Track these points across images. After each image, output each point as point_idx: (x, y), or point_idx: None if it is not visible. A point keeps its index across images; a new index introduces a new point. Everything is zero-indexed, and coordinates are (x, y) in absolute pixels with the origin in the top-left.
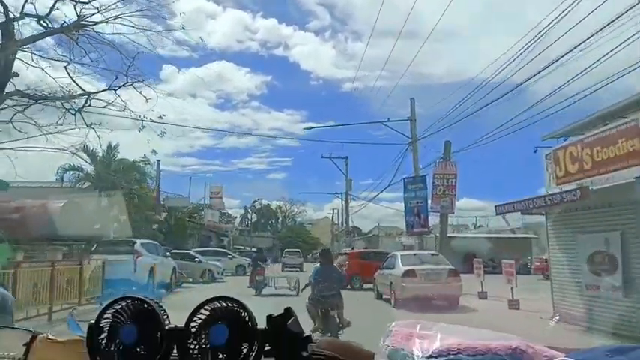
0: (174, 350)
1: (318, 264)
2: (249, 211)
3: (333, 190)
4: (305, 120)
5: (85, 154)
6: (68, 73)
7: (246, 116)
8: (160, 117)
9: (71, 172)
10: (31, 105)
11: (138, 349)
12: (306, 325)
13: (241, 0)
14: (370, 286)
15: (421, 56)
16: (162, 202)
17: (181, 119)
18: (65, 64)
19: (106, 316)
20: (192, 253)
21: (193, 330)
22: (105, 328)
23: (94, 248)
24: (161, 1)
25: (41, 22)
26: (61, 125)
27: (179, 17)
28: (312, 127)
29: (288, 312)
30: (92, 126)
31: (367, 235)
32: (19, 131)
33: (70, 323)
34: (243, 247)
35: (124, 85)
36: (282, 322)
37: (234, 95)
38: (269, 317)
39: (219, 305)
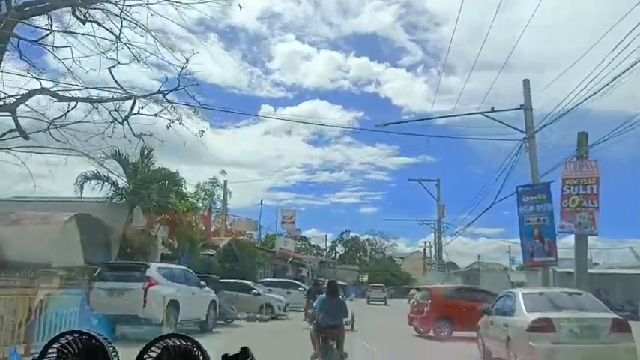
0: None
1: (324, 295)
2: (336, 242)
3: (424, 226)
4: (397, 154)
5: (115, 160)
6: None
7: (339, 151)
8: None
9: (94, 182)
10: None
11: None
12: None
13: (335, 41)
14: (464, 334)
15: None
16: (228, 226)
17: (277, 156)
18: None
19: (50, 351)
20: (248, 283)
21: None
22: None
23: (96, 274)
24: (260, 46)
25: None
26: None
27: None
28: (388, 124)
29: (245, 352)
30: (141, 135)
31: (464, 269)
32: (58, 141)
33: (11, 357)
34: (324, 280)
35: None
36: None
37: (327, 131)
38: (224, 357)
39: (172, 343)
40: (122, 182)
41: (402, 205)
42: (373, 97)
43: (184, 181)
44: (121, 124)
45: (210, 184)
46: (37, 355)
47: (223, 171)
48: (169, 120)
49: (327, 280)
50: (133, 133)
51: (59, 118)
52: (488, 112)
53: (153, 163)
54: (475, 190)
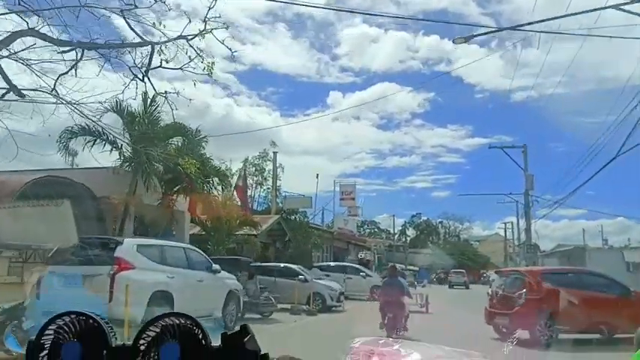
0: None
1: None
2: (407, 226)
3: (502, 206)
4: (471, 135)
5: (115, 113)
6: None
7: (409, 135)
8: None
9: (85, 140)
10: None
11: None
12: None
13: (403, 21)
14: (578, 338)
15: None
16: (279, 203)
17: (346, 142)
18: None
19: (47, 332)
20: (293, 267)
21: (142, 348)
22: (46, 346)
23: (51, 254)
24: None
25: None
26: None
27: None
28: (470, 36)
29: (245, 329)
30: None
31: (564, 249)
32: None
33: (7, 339)
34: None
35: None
36: (238, 340)
37: (396, 115)
38: (224, 335)
39: (171, 322)
40: (123, 141)
41: (478, 186)
42: (444, 77)
43: (206, 141)
44: (142, 80)
45: (259, 158)
46: (33, 338)
47: (273, 142)
48: (202, 71)
49: (390, 265)
50: (155, 90)
51: (65, 73)
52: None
53: (159, 114)
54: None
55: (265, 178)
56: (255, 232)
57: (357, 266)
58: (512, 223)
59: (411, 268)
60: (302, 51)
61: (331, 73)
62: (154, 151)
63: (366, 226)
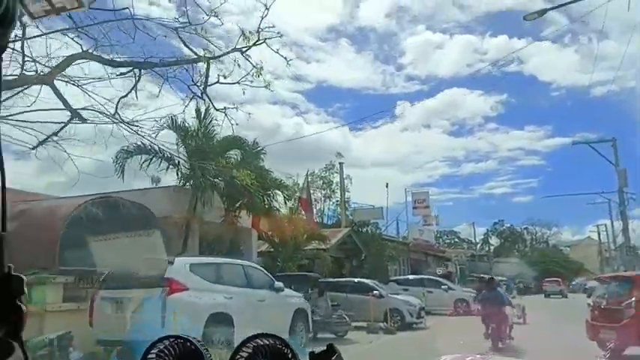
0: None
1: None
2: (489, 234)
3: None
4: (550, 135)
5: (171, 130)
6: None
7: (483, 139)
8: None
9: (141, 159)
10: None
11: None
12: None
13: (468, 24)
14: None
15: None
16: (349, 216)
17: (417, 151)
18: None
19: (149, 356)
20: (367, 282)
21: None
22: None
23: (103, 278)
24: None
25: None
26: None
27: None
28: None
29: (332, 348)
30: (225, 109)
31: None
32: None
33: None
34: (476, 276)
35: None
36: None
37: (468, 120)
38: (312, 354)
39: (262, 343)
40: (179, 157)
41: (563, 188)
42: (516, 77)
43: (264, 152)
44: (201, 97)
45: (325, 170)
46: None
47: (339, 153)
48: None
49: (488, 277)
50: (214, 106)
51: (125, 95)
52: None
53: (214, 128)
54: None
55: (333, 191)
56: (324, 247)
57: (438, 279)
58: (605, 225)
59: (500, 278)
60: (366, 64)
61: (397, 83)
62: (209, 165)
63: (445, 237)
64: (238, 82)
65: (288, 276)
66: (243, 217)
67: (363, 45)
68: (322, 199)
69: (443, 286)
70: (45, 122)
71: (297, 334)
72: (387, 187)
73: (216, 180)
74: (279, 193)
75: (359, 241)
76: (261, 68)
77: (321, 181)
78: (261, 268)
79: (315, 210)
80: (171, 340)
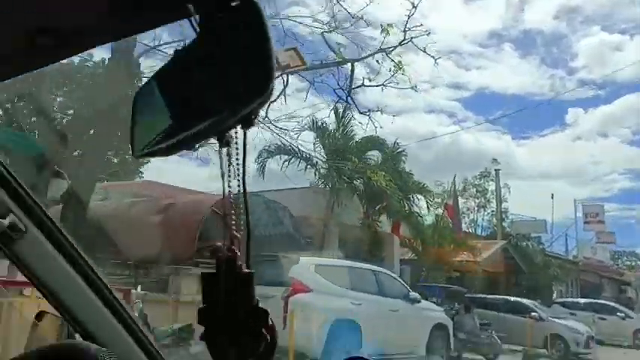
0: None
1: None
2: None
3: None
4: None
5: (311, 131)
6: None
7: None
8: None
9: (281, 159)
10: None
11: None
12: None
13: None
14: None
15: None
16: (505, 228)
17: (592, 162)
18: None
19: None
20: (524, 302)
21: None
22: None
23: None
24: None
25: None
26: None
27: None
28: None
29: None
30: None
31: None
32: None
33: None
34: None
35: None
36: None
37: None
38: None
39: None
40: (317, 158)
41: None
42: None
43: (405, 154)
44: (346, 100)
45: (480, 177)
46: None
47: (495, 159)
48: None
49: None
50: (358, 109)
51: (274, 100)
52: None
53: (352, 128)
54: None
55: (489, 200)
56: (476, 259)
57: (614, 305)
58: None
59: None
60: (532, 68)
61: (568, 88)
62: (345, 165)
63: (624, 258)
64: (384, 85)
65: (428, 287)
66: (385, 222)
67: (528, 49)
68: (476, 208)
69: (619, 314)
70: None
71: (435, 352)
72: (552, 197)
73: (354, 182)
74: (421, 197)
75: (517, 256)
76: (400, 62)
77: (475, 189)
78: (396, 276)
79: (467, 219)
80: None
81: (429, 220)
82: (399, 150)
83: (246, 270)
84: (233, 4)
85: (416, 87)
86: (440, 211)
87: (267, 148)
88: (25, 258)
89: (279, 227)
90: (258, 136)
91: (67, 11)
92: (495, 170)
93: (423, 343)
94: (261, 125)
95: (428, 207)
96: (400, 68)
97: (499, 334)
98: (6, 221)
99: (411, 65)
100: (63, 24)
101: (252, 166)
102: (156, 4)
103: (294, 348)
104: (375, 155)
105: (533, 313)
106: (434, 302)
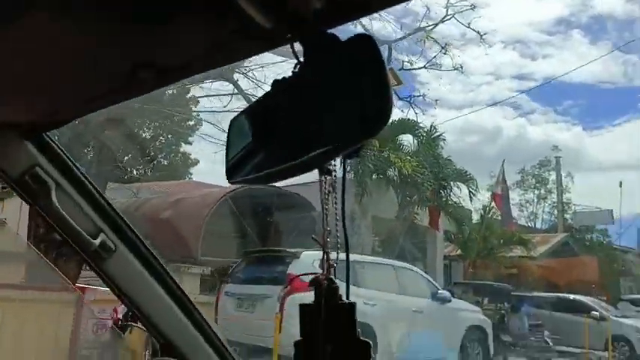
0: None
1: None
2: None
3: None
4: None
5: None
6: None
7: None
8: None
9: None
10: None
11: None
12: None
13: None
14: None
15: None
16: (568, 220)
17: None
18: None
19: None
20: (582, 300)
21: None
22: None
23: (231, 270)
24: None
25: None
26: None
27: None
28: None
29: None
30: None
31: None
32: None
33: None
34: None
35: None
36: None
37: None
38: None
39: None
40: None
41: None
42: None
43: (443, 139)
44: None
45: (539, 166)
46: None
47: (555, 146)
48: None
49: None
50: (398, 96)
51: None
52: None
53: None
54: None
55: (550, 191)
56: (531, 254)
57: None
58: None
59: None
60: (603, 55)
61: None
62: (369, 151)
63: None
64: (424, 67)
65: (472, 285)
66: (424, 215)
67: (598, 35)
68: (535, 200)
69: None
70: None
71: (469, 358)
72: (620, 186)
73: (388, 170)
74: (463, 186)
75: (579, 250)
76: (447, 45)
77: (534, 180)
78: (422, 272)
79: (526, 212)
80: None
81: (474, 211)
82: (436, 134)
83: (348, 300)
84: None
85: (461, 67)
86: (488, 201)
87: None
88: (114, 275)
89: (304, 224)
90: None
91: (171, 48)
92: (556, 158)
93: (454, 348)
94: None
95: (470, 197)
96: (443, 48)
97: (554, 336)
98: (97, 241)
99: (477, 59)
100: (165, 59)
101: None
102: (259, 35)
103: (278, 352)
104: (407, 141)
105: (593, 312)
106: (477, 302)
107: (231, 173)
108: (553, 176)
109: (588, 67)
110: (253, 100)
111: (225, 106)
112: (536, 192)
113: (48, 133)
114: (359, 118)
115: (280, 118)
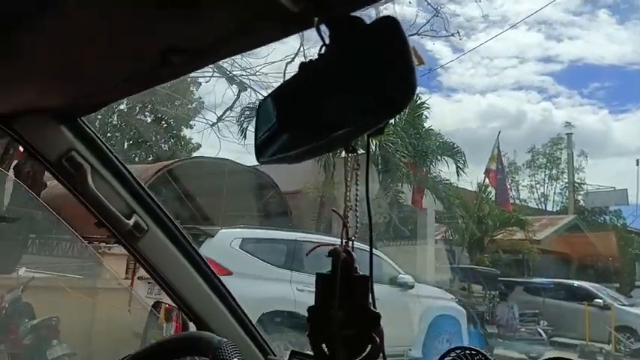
0: None
1: None
2: None
3: None
4: None
5: None
6: None
7: None
8: None
9: None
10: None
11: None
12: None
13: None
14: None
15: None
16: (580, 201)
17: None
18: None
19: None
20: (588, 287)
21: None
22: None
23: None
24: None
25: None
26: None
27: None
28: None
29: None
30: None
31: None
32: None
33: None
34: None
35: None
36: None
37: None
38: None
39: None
40: None
41: None
42: None
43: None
44: None
45: (550, 145)
46: None
47: (568, 123)
48: None
49: None
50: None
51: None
52: None
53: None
54: None
55: (562, 172)
56: (531, 237)
57: None
58: None
59: None
60: (632, 35)
61: None
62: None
63: None
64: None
65: (452, 270)
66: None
67: (627, 14)
68: (546, 181)
69: None
70: None
71: (434, 351)
72: (637, 164)
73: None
74: (450, 161)
75: (590, 233)
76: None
77: (545, 159)
78: (380, 254)
79: (537, 194)
80: (463, 351)
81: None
82: (418, 103)
83: (362, 273)
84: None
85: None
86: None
87: (249, 105)
88: (146, 254)
89: (269, 205)
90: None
91: (198, 31)
92: (567, 135)
93: (417, 341)
94: (243, 76)
95: (458, 172)
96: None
97: (549, 326)
98: (131, 221)
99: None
100: (193, 43)
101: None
102: (285, 18)
103: None
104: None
105: (596, 300)
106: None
107: (259, 153)
108: (565, 155)
109: (616, 49)
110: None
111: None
112: (548, 172)
113: (82, 118)
114: (384, 98)
115: (306, 99)
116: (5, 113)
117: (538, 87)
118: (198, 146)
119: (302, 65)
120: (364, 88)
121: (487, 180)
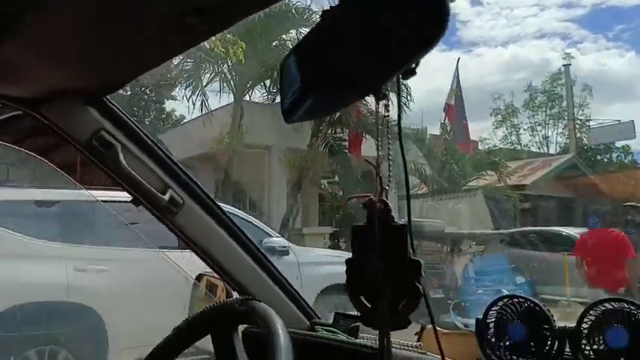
0: (567, 349)
1: None
2: None
3: None
4: None
5: None
6: None
7: None
8: None
9: None
10: None
11: (529, 346)
12: None
13: None
14: None
15: None
16: (583, 139)
17: None
18: None
19: (491, 312)
20: (566, 233)
21: (585, 331)
22: (490, 325)
23: None
24: None
25: None
26: None
27: None
28: None
29: None
30: None
31: None
32: None
33: (452, 317)
34: None
35: None
36: None
37: None
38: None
39: (611, 307)
40: None
41: None
42: None
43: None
44: None
45: (550, 81)
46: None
47: (567, 54)
48: None
49: None
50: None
51: None
52: None
53: None
54: None
55: (565, 110)
56: (510, 181)
57: None
58: None
59: None
60: None
61: None
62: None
63: None
64: None
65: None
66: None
67: None
68: (548, 121)
69: None
70: None
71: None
72: None
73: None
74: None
75: (590, 173)
76: None
77: (545, 97)
78: (238, 212)
79: (539, 136)
80: (513, 299)
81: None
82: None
83: (399, 222)
84: None
85: None
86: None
87: None
88: (184, 227)
89: None
90: None
91: None
92: (564, 67)
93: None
94: None
95: (399, 110)
96: None
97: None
98: (166, 196)
99: None
100: (208, 2)
101: None
102: None
103: None
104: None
105: None
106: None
107: (287, 115)
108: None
109: None
110: None
111: None
112: (548, 112)
113: (108, 97)
114: (414, 32)
115: (332, 49)
116: (31, 98)
117: (561, 33)
118: (182, 117)
119: (324, 12)
120: (393, 25)
121: (445, 116)
